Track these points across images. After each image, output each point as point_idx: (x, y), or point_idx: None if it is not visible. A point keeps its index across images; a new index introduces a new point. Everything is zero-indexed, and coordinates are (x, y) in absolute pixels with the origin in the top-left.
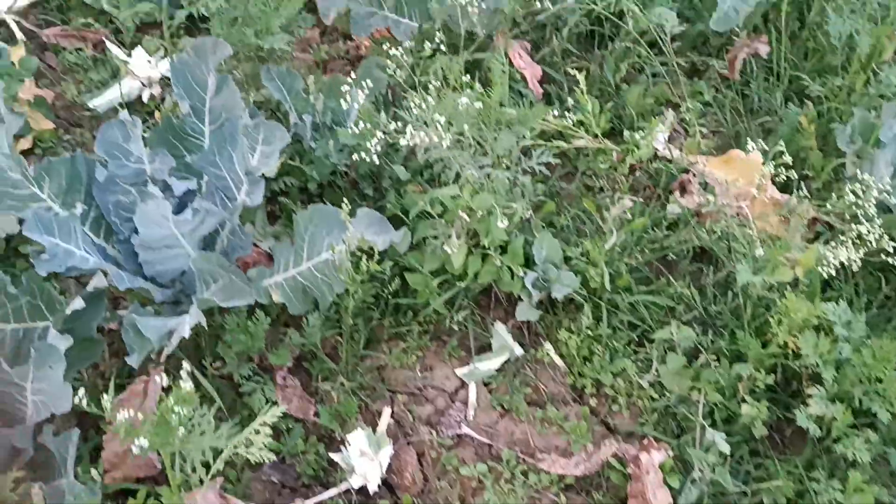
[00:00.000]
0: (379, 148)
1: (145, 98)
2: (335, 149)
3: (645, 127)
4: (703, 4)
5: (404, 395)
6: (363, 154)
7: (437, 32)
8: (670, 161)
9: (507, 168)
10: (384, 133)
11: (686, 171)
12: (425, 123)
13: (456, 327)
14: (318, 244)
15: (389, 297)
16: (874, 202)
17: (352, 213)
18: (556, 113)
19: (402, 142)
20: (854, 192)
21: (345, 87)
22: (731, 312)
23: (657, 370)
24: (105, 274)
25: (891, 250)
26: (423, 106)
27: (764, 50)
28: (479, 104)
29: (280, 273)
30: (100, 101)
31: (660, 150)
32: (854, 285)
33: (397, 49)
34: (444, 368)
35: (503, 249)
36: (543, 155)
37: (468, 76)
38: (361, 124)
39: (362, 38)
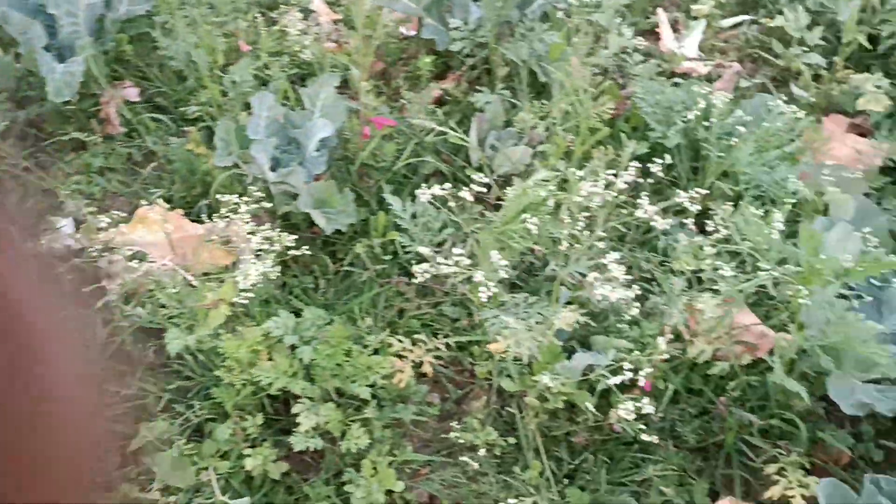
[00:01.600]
0: None
1: None
2: None
3: None
4: (37, 83)
5: None
6: None
7: None
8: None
9: None
10: None
11: (104, 254)
12: None
13: None
14: None
15: None
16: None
17: None
18: None
19: None
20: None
21: None
22: (208, 371)
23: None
24: None
25: (292, 244)
26: None
27: (134, 93)
28: None
29: None
30: None
31: (72, 246)
32: (304, 268)
33: None
34: None
35: None
36: None
37: None
38: None
39: None
